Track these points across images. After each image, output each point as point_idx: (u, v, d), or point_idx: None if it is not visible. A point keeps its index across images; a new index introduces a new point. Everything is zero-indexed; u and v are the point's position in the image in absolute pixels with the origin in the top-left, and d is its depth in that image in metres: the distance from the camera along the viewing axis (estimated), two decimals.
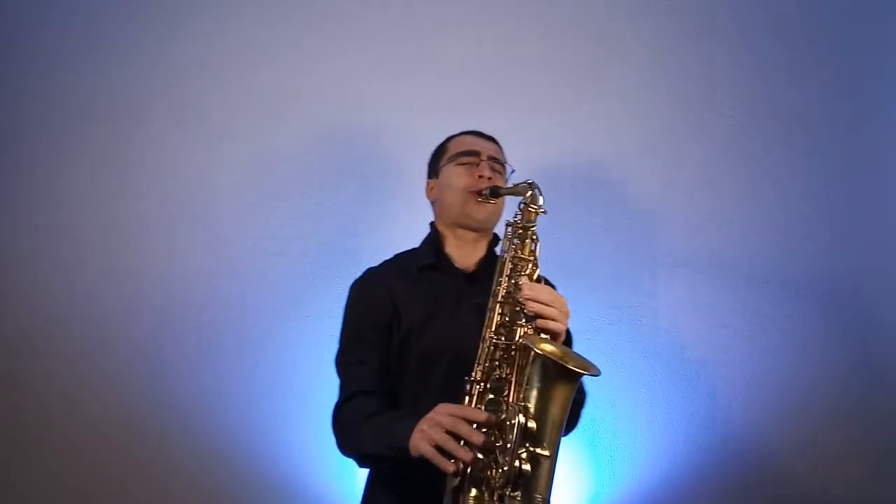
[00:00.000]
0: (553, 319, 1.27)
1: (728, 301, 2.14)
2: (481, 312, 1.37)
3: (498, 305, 1.35)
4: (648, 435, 2.09)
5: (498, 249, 1.51)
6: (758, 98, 2.20)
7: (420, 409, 1.30)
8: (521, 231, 1.41)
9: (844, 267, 2.16)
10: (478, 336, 1.35)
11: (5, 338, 2.07)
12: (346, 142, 2.16)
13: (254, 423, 2.06)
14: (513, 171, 1.59)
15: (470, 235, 1.55)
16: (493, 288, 1.37)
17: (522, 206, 1.42)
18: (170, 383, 2.07)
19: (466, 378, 1.29)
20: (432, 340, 1.44)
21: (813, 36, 2.22)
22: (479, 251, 1.56)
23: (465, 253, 1.55)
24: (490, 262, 1.50)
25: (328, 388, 2.09)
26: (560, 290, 1.96)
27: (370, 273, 1.59)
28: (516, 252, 1.39)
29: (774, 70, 2.20)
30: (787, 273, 2.15)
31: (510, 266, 1.38)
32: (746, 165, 2.18)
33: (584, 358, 1.23)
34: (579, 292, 2.12)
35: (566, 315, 1.30)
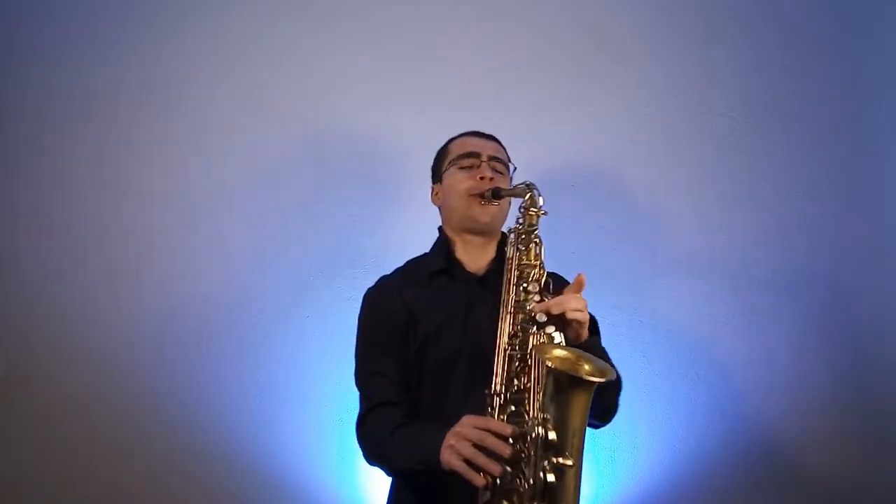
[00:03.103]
0: (577, 310, 1.29)
1: (728, 301, 2.14)
2: (496, 317, 1.38)
3: (509, 315, 1.35)
4: (648, 435, 2.09)
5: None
6: (758, 98, 2.20)
7: (442, 416, 1.33)
8: (524, 236, 1.42)
9: (845, 266, 2.15)
10: (494, 339, 1.35)
11: (5, 339, 2.08)
12: (346, 142, 2.17)
13: (254, 423, 2.06)
14: (515, 169, 1.59)
15: (478, 240, 1.55)
16: (502, 297, 1.38)
17: (522, 209, 1.44)
18: (170, 383, 2.07)
19: (486, 391, 1.30)
20: (449, 346, 1.44)
21: (813, 36, 2.22)
22: (489, 254, 1.56)
23: (474, 257, 1.55)
24: (500, 264, 1.50)
25: (328, 389, 2.09)
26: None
27: (383, 282, 1.59)
28: (521, 258, 1.41)
29: (774, 70, 2.20)
30: (788, 273, 2.15)
31: (517, 273, 1.39)
32: (746, 165, 2.18)
33: (598, 361, 1.22)
34: None
35: (586, 307, 1.33)
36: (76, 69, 2.15)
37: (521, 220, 1.45)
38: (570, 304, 1.30)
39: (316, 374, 2.06)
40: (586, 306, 1.33)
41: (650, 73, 2.20)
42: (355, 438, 1.46)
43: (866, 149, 2.20)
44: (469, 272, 1.53)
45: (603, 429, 2.07)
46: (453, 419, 1.33)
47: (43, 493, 2.04)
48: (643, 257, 2.15)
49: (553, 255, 2.11)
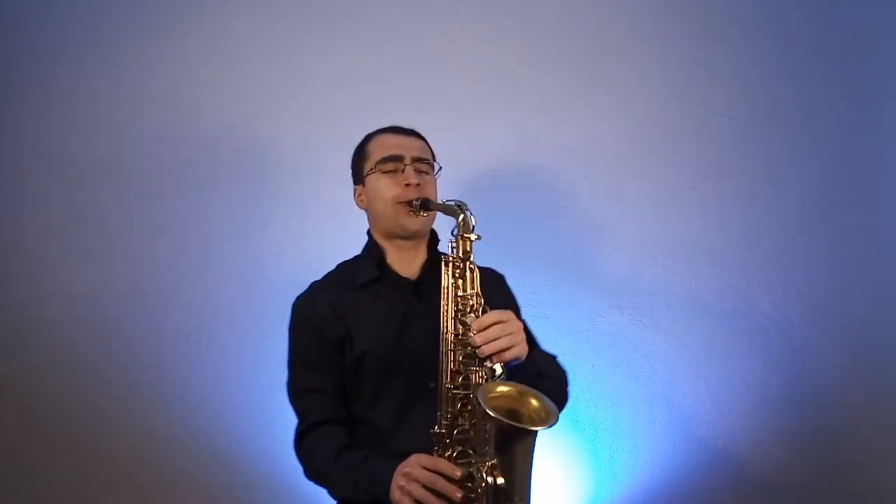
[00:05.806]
0: (509, 348, 1.26)
1: (728, 301, 2.14)
2: (433, 332, 1.36)
3: (450, 352, 1.33)
4: (648, 435, 2.09)
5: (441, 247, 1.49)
6: (758, 98, 2.20)
7: (380, 432, 1.39)
8: (459, 266, 1.36)
9: (844, 267, 2.16)
10: (433, 346, 1.35)
11: (5, 339, 2.08)
12: (345, 142, 2.16)
13: (254, 423, 2.06)
14: (440, 169, 1.55)
15: (409, 244, 1.51)
16: (440, 331, 1.34)
17: (455, 234, 1.38)
18: (170, 383, 2.07)
19: (432, 431, 1.29)
20: (387, 362, 1.42)
21: (813, 36, 2.22)
22: (421, 255, 1.53)
23: (406, 260, 1.51)
24: (434, 266, 1.48)
25: None
26: (561, 290, 1.95)
27: (315, 288, 1.55)
28: (457, 289, 1.35)
29: (774, 70, 2.20)
30: (788, 273, 2.15)
31: (454, 308, 1.35)
32: (746, 165, 2.18)
33: (542, 398, 1.21)
34: (579, 292, 2.13)
35: (519, 333, 1.28)
36: (76, 69, 2.15)
37: (454, 245, 1.38)
38: (501, 344, 1.25)
39: None
40: (517, 331, 1.27)
41: (650, 73, 2.20)
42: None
43: (866, 149, 2.20)
44: (403, 277, 1.50)
45: (603, 429, 2.09)
46: (391, 436, 1.39)
47: (43, 493, 2.04)
48: (643, 257, 2.16)
49: (554, 256, 2.13)
